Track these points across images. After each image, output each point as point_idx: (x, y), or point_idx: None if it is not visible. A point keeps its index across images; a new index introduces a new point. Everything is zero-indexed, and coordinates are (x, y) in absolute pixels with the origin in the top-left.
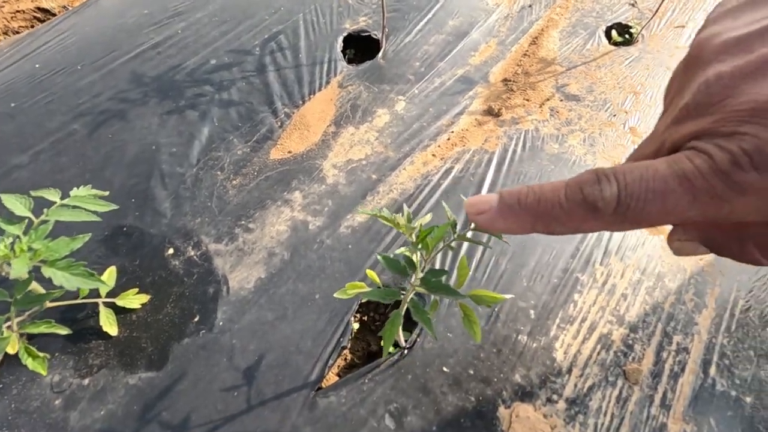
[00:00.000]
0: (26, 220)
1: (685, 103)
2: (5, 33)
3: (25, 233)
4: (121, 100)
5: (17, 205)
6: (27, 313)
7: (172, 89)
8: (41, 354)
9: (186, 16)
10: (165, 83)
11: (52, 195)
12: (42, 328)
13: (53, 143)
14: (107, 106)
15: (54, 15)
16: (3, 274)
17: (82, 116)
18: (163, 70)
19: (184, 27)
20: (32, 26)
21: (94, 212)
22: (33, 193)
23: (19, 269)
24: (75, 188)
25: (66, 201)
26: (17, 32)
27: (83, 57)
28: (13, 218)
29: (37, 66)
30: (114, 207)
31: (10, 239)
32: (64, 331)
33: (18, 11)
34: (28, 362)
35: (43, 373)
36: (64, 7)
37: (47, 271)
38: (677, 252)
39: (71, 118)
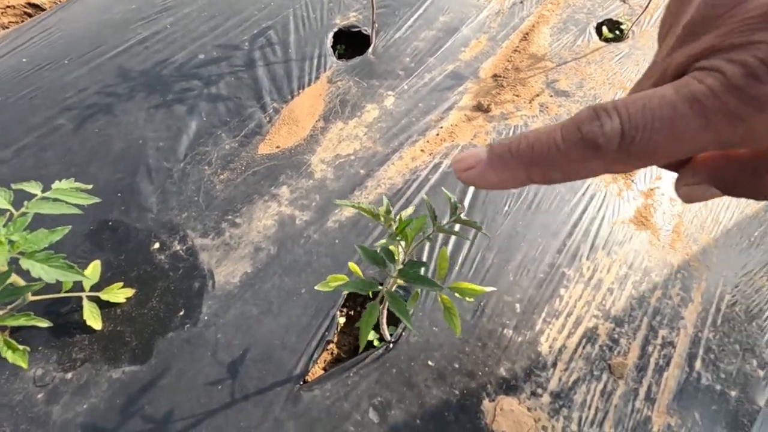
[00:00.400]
0: (6, 213)
1: (688, 22)
2: None
3: (4, 226)
4: (107, 94)
5: None
6: (9, 307)
7: (159, 84)
8: (21, 347)
9: (174, 11)
10: (152, 78)
11: (33, 188)
12: (21, 321)
13: (38, 138)
14: (94, 101)
15: (45, 11)
16: None
17: (67, 111)
18: (150, 64)
19: (172, 22)
20: (23, 21)
21: (77, 205)
22: (14, 186)
23: None
24: (57, 181)
25: (47, 194)
26: (7, 27)
27: (70, 52)
28: None
29: (23, 60)
30: (96, 200)
31: None
32: (44, 323)
33: (9, 6)
34: (8, 355)
35: (24, 365)
36: (55, 2)
37: (25, 263)
38: (686, 198)
39: (57, 113)
